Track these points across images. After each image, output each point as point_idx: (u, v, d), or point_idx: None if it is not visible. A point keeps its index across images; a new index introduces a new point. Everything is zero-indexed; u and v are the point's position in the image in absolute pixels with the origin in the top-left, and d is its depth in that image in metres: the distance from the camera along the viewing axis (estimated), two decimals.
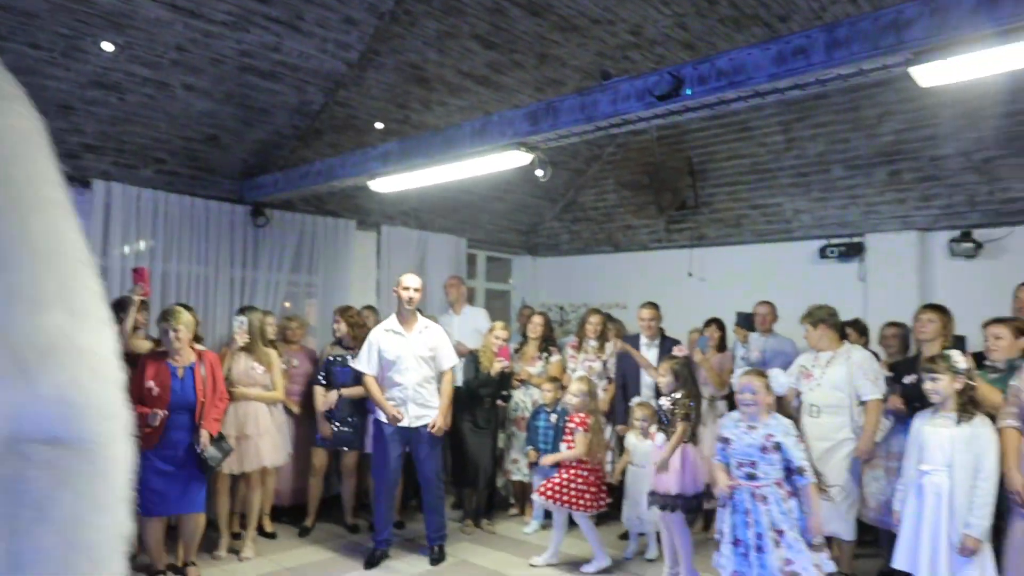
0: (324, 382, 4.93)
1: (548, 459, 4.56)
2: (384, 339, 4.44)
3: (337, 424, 4.91)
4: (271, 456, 4.53)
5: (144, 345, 4.25)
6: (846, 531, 4.00)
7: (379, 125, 5.68)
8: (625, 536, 4.86)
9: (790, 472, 3.26)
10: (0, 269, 0.81)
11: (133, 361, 3.71)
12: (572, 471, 4.38)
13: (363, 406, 4.95)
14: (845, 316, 4.68)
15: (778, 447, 3.23)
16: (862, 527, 4.09)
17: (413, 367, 4.40)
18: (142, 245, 4.96)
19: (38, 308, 0.82)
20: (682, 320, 5.71)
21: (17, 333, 0.80)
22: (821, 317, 4.11)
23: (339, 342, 5.06)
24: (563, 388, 4.98)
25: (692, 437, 3.90)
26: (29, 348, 0.81)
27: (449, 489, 5.84)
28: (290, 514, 5.13)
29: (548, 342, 5.52)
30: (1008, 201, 5.22)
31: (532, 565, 4.42)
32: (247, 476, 4.50)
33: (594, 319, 5.40)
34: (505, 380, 5.19)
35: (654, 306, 5.17)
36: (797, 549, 3.14)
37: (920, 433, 3.22)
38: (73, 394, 0.82)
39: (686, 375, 3.96)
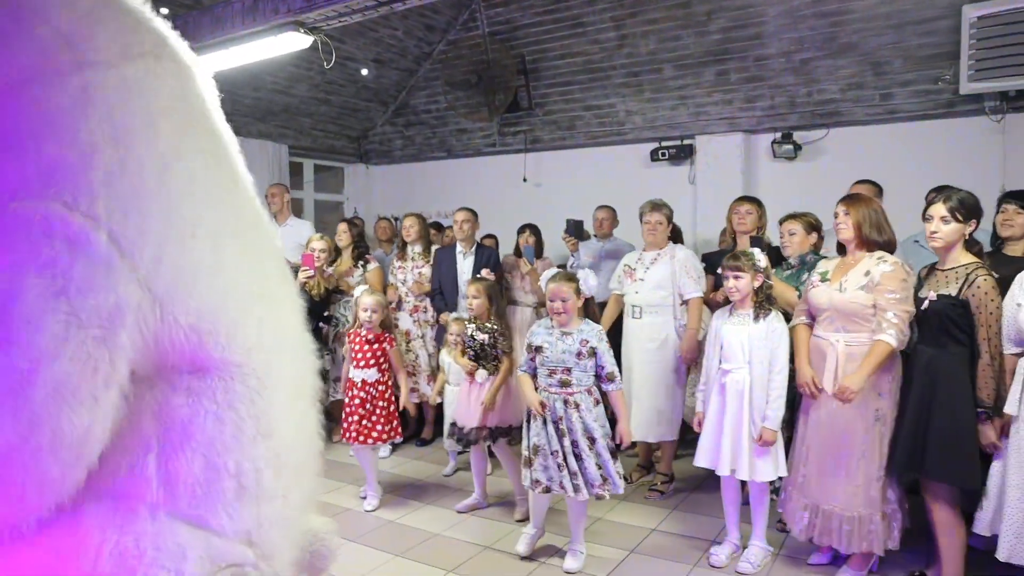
0: None
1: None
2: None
3: None
4: None
5: None
6: (670, 432, 4.01)
7: (164, 11, 4.85)
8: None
9: (599, 379, 3.17)
10: None
11: None
12: (357, 397, 3.94)
13: None
14: (676, 218, 4.62)
15: (593, 352, 3.13)
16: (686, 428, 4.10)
17: None
18: None
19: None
20: (517, 227, 5.45)
21: None
22: (667, 214, 4.05)
23: None
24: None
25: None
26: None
27: None
28: None
29: (362, 252, 5.16)
30: (824, 103, 5.27)
31: (362, 497, 4.13)
32: None
33: (408, 221, 5.08)
34: (326, 300, 4.78)
35: (468, 210, 4.89)
36: (606, 457, 3.10)
37: (719, 332, 3.21)
38: None
39: (499, 301, 3.76)
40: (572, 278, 3.17)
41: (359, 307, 3.95)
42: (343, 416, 3.96)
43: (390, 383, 3.98)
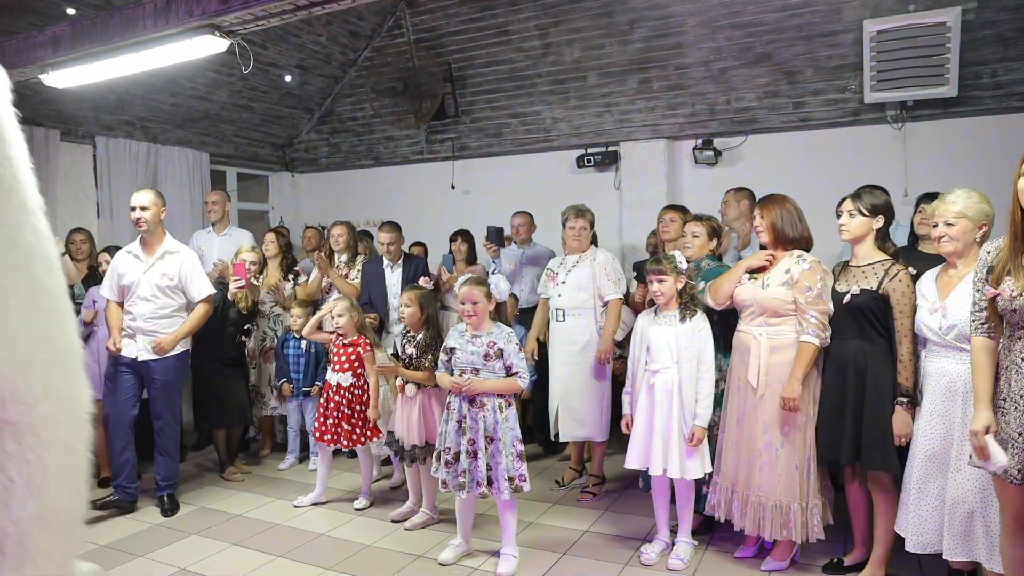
0: None
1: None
2: (123, 263, 3.94)
3: None
4: None
5: None
6: (598, 432, 4.04)
7: (71, 11, 4.64)
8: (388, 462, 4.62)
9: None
10: None
11: None
12: (332, 400, 3.99)
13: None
14: (603, 223, 4.70)
15: (500, 354, 3.14)
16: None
17: (147, 295, 3.89)
18: None
19: None
20: (446, 234, 5.45)
21: None
22: (590, 219, 4.08)
23: None
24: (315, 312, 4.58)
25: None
26: None
27: (193, 434, 5.33)
28: None
29: (291, 262, 5.07)
30: (742, 110, 5.44)
31: (296, 506, 4.04)
32: None
33: (336, 230, 5.01)
34: (252, 312, 4.65)
35: (392, 228, 4.85)
36: (500, 459, 3.10)
37: (646, 333, 3.25)
38: None
39: (431, 311, 3.72)
40: (482, 282, 3.20)
41: (335, 313, 4.03)
42: (316, 417, 4.05)
43: (366, 387, 4.00)
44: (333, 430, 3.95)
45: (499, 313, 3.26)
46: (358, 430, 3.97)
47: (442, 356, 3.30)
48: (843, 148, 5.15)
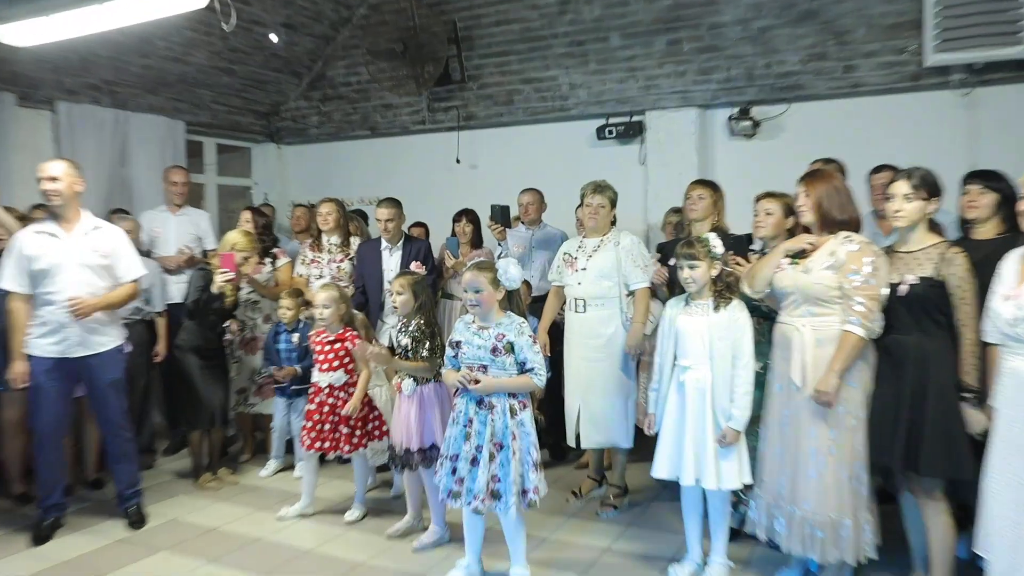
0: None
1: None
2: (34, 244, 3.66)
3: None
4: None
5: None
6: (623, 438, 3.99)
7: None
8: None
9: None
10: None
11: None
12: (326, 404, 3.93)
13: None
14: (626, 202, 4.62)
15: (511, 348, 3.06)
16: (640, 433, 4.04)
17: (74, 278, 3.68)
18: None
19: None
20: (450, 213, 5.40)
21: None
22: (611, 197, 4.02)
23: None
24: (307, 302, 4.55)
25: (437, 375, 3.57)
26: None
27: (167, 434, 5.30)
28: None
29: (269, 244, 5.03)
30: (784, 75, 5.33)
31: (280, 518, 3.98)
32: None
33: (324, 208, 4.96)
34: (237, 304, 4.60)
35: (391, 205, 4.79)
36: (508, 468, 3.02)
37: (674, 324, 3.20)
38: None
39: (425, 298, 3.66)
40: (488, 268, 3.13)
41: (318, 302, 3.98)
42: (304, 424, 4.00)
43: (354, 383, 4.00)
44: (330, 436, 3.90)
45: (511, 302, 3.18)
46: (358, 432, 3.93)
47: (448, 351, 3.24)
48: (900, 118, 5.04)
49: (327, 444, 3.92)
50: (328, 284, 4.22)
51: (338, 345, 3.96)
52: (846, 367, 2.83)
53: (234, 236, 4.54)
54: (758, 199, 3.59)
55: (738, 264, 3.40)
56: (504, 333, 3.07)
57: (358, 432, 3.94)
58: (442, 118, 6.59)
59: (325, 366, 3.95)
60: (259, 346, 4.83)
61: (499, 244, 4.95)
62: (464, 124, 6.50)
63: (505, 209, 4.92)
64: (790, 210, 3.48)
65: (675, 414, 3.16)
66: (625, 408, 3.97)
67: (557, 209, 5.24)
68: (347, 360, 3.96)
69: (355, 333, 4.00)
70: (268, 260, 4.95)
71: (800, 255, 3.03)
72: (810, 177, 3.09)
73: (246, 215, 5.11)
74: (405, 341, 3.58)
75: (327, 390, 3.95)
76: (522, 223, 5.16)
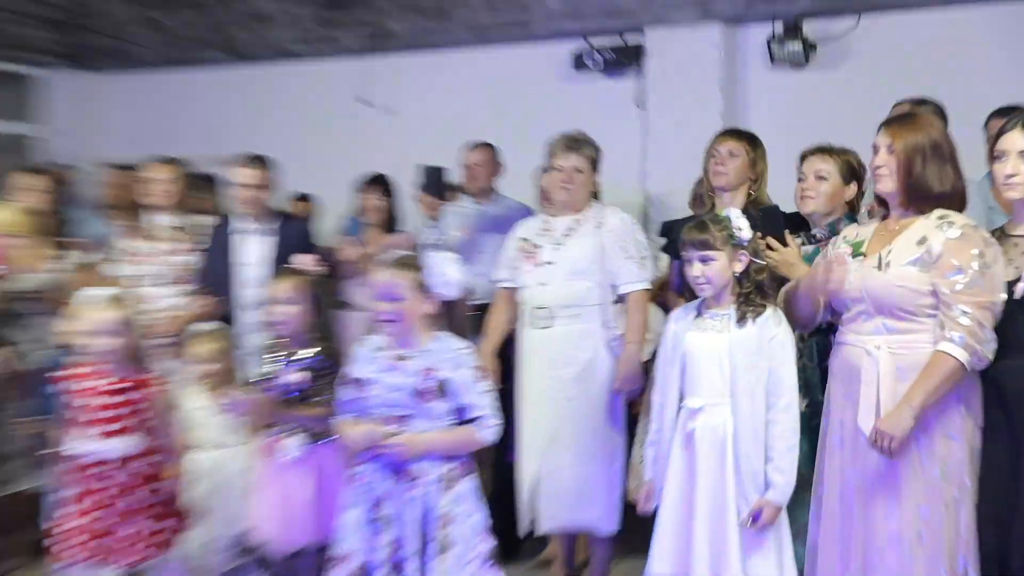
0: None
1: None
2: None
3: None
4: None
5: None
6: (604, 518, 3.98)
7: None
8: None
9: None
10: None
11: None
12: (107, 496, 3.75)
13: None
14: (616, 163, 4.64)
15: (444, 387, 3.04)
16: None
17: None
18: None
19: None
20: (352, 181, 5.39)
21: None
22: (590, 156, 4.05)
23: None
24: None
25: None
26: None
27: None
28: None
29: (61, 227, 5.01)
30: None
31: None
32: None
33: (158, 172, 4.90)
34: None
35: (261, 163, 4.76)
36: (447, 568, 3.02)
37: (680, 346, 3.18)
38: None
39: (330, 310, 3.75)
40: (411, 265, 3.11)
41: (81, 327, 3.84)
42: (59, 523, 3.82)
43: (159, 459, 3.85)
44: (104, 542, 3.70)
45: (449, 318, 3.19)
46: (168, 527, 3.78)
47: (344, 392, 3.21)
48: (1017, 37, 5.14)
49: (98, 556, 3.71)
50: (110, 299, 4.05)
51: (124, 396, 3.77)
52: (930, 402, 2.80)
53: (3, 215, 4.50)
54: (804, 156, 3.61)
55: (771, 249, 3.40)
56: (435, 366, 3.06)
57: (169, 528, 3.79)
58: (341, 37, 6.62)
59: (97, 430, 3.75)
60: (28, 386, 4.76)
61: (430, 226, 4.89)
62: (376, 46, 6.52)
63: (438, 173, 4.88)
64: (852, 173, 3.49)
65: (682, 481, 3.13)
66: (608, 474, 3.96)
67: (519, 174, 5.23)
68: (139, 419, 3.77)
69: (153, 376, 3.83)
70: (59, 251, 4.89)
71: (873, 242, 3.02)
72: (897, 124, 3.06)
73: (25, 179, 5.07)
74: (296, 377, 3.55)
75: (96, 469, 3.71)
76: (467, 195, 5.16)
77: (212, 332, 4.16)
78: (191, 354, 4.03)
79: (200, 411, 4.03)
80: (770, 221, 3.64)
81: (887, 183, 3.00)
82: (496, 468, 4.39)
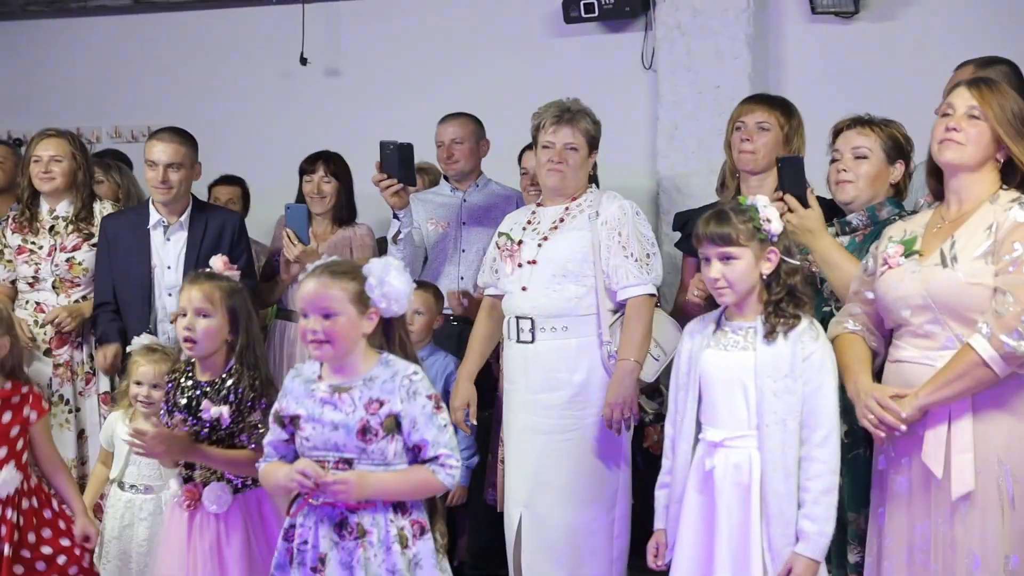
0: None
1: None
2: None
3: None
4: None
5: None
6: (603, 573, 4.03)
7: None
8: None
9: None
10: None
11: None
12: None
13: None
14: (618, 139, 4.71)
15: (395, 424, 3.04)
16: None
17: None
18: None
19: None
20: (294, 161, 5.38)
21: None
22: (587, 130, 4.07)
23: None
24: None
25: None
26: None
27: None
28: None
29: None
30: None
31: None
32: None
33: (47, 148, 4.91)
34: None
35: (177, 138, 4.78)
36: None
37: (696, 365, 3.20)
38: None
39: (253, 326, 3.69)
40: (348, 273, 3.08)
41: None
42: None
43: (47, 493, 3.91)
44: None
45: (390, 338, 3.19)
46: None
47: (274, 430, 3.20)
48: None
49: None
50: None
51: (7, 417, 3.84)
52: (942, 399, 2.87)
53: None
54: (839, 131, 3.64)
55: (790, 210, 3.40)
56: (382, 397, 3.06)
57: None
58: None
59: None
60: None
61: (395, 216, 4.94)
62: None
63: (404, 150, 4.88)
64: (899, 149, 3.54)
65: (699, 531, 3.14)
66: (608, 521, 4.00)
67: (498, 151, 5.30)
68: (17, 448, 3.85)
69: (35, 393, 3.92)
70: None
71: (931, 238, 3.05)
72: (987, 86, 3.07)
73: None
74: (217, 411, 3.58)
75: None
76: (444, 177, 5.23)
77: (159, 351, 4.14)
78: (132, 373, 4.04)
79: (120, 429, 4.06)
80: (790, 172, 3.60)
81: (960, 153, 2.99)
82: (474, 512, 4.46)
